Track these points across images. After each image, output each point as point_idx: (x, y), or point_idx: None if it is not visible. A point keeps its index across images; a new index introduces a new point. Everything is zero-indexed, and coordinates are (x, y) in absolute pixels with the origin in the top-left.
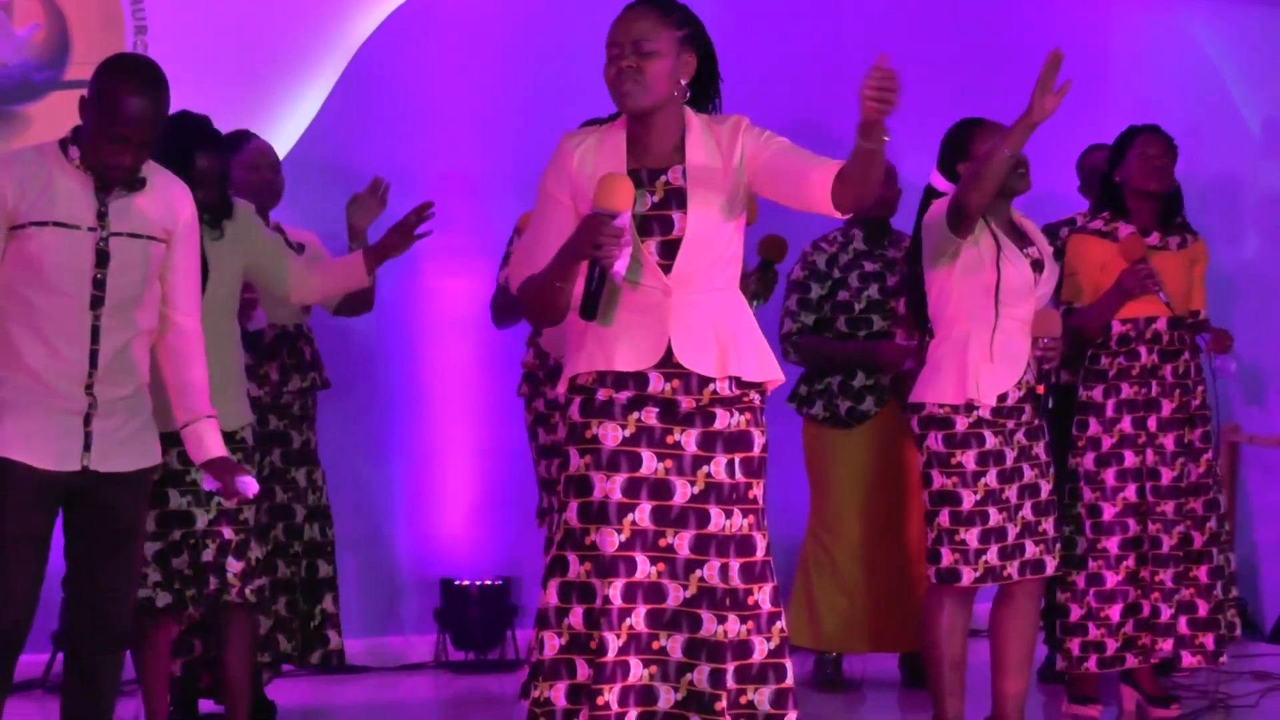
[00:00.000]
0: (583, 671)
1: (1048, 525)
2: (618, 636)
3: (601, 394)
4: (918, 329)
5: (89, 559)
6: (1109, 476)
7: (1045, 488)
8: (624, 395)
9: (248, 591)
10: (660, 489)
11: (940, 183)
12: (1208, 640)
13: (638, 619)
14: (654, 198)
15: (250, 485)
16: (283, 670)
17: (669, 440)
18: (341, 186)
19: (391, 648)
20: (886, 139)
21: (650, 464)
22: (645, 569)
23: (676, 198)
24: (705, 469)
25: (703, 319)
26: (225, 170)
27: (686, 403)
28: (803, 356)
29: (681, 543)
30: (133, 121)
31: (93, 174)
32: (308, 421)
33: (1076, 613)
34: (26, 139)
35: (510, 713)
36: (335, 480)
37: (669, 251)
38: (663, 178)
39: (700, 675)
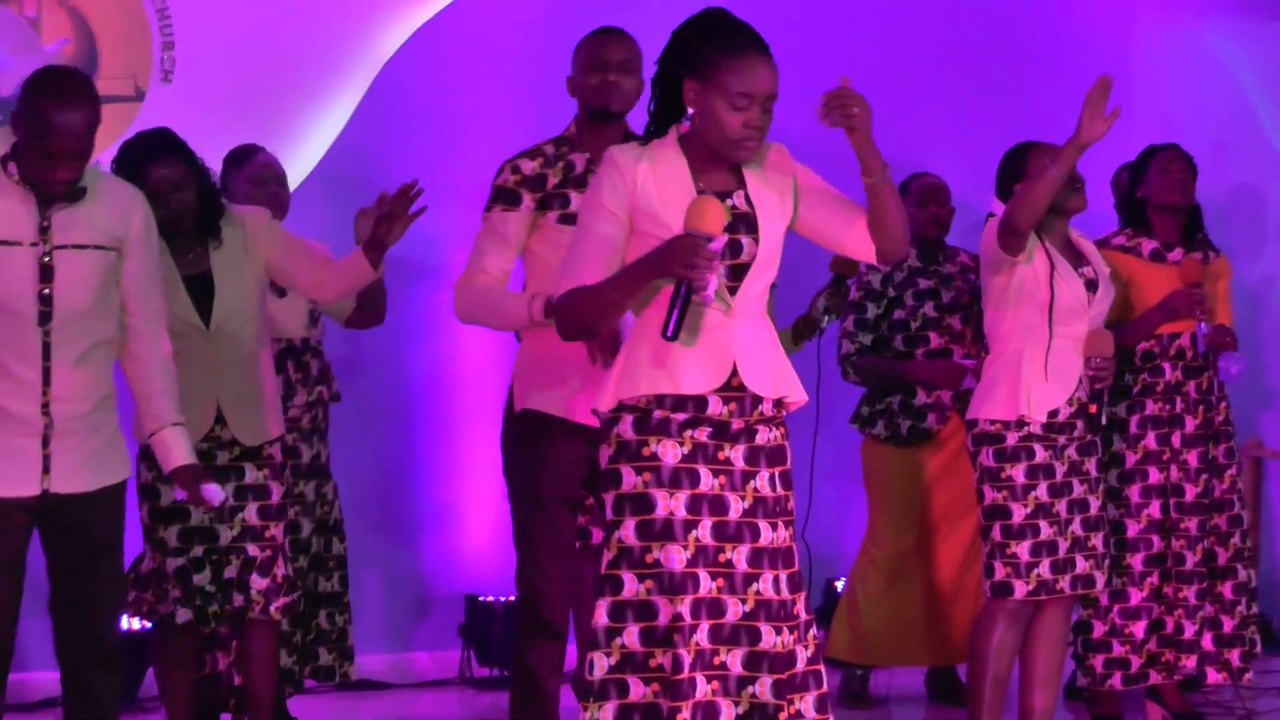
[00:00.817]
0: (635, 690)
1: (1097, 541)
2: (689, 653)
3: (658, 413)
4: (980, 346)
5: (67, 577)
6: (1133, 493)
7: (1094, 503)
8: (681, 416)
9: (272, 609)
10: (718, 505)
11: (998, 207)
12: (1233, 656)
13: (701, 635)
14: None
15: (216, 494)
16: (305, 687)
17: (720, 456)
18: (369, 198)
19: (416, 664)
20: (882, 173)
21: (708, 480)
22: (707, 585)
23: (744, 222)
24: (753, 484)
25: (758, 341)
26: (200, 178)
27: (737, 422)
28: (862, 377)
29: (739, 557)
30: (61, 135)
31: (32, 189)
32: (318, 435)
33: (1100, 629)
34: None
35: None
36: (359, 495)
37: (736, 274)
38: (729, 200)
39: (763, 687)
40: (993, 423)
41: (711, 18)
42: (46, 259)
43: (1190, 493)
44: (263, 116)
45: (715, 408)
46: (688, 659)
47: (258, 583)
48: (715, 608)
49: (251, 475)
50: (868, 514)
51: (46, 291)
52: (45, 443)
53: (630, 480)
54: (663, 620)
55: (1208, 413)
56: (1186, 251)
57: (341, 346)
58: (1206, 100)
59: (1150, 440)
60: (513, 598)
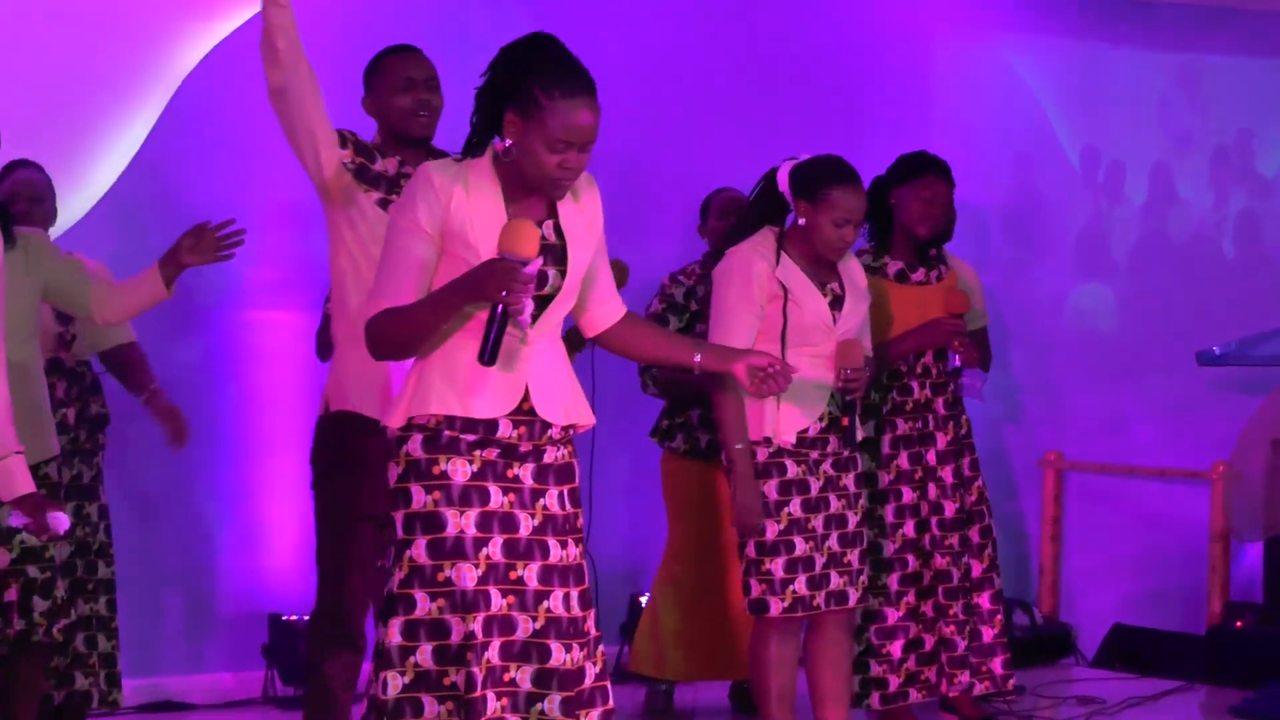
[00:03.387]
0: (430, 709)
1: (853, 557)
2: (481, 670)
3: (447, 433)
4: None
5: None
6: (888, 513)
7: (853, 519)
8: (471, 436)
9: (55, 630)
10: (508, 522)
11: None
12: (995, 665)
13: (492, 652)
14: None
15: (62, 521)
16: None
17: (509, 474)
18: (166, 218)
19: (219, 684)
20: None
21: (497, 498)
22: (498, 602)
23: (552, 253)
24: (542, 501)
25: (551, 367)
26: None
27: (525, 445)
28: (661, 389)
29: (530, 575)
30: None
31: None
32: (79, 456)
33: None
34: None
35: None
36: (158, 515)
37: (539, 304)
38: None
39: (552, 704)
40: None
41: (543, 50)
42: None
43: (949, 509)
44: (61, 134)
45: (505, 430)
46: (480, 676)
47: (39, 605)
48: (506, 625)
49: None
50: (667, 528)
51: None
52: None
53: (420, 499)
54: (455, 638)
55: (955, 428)
56: (927, 272)
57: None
58: (1004, 113)
59: (903, 460)
60: None
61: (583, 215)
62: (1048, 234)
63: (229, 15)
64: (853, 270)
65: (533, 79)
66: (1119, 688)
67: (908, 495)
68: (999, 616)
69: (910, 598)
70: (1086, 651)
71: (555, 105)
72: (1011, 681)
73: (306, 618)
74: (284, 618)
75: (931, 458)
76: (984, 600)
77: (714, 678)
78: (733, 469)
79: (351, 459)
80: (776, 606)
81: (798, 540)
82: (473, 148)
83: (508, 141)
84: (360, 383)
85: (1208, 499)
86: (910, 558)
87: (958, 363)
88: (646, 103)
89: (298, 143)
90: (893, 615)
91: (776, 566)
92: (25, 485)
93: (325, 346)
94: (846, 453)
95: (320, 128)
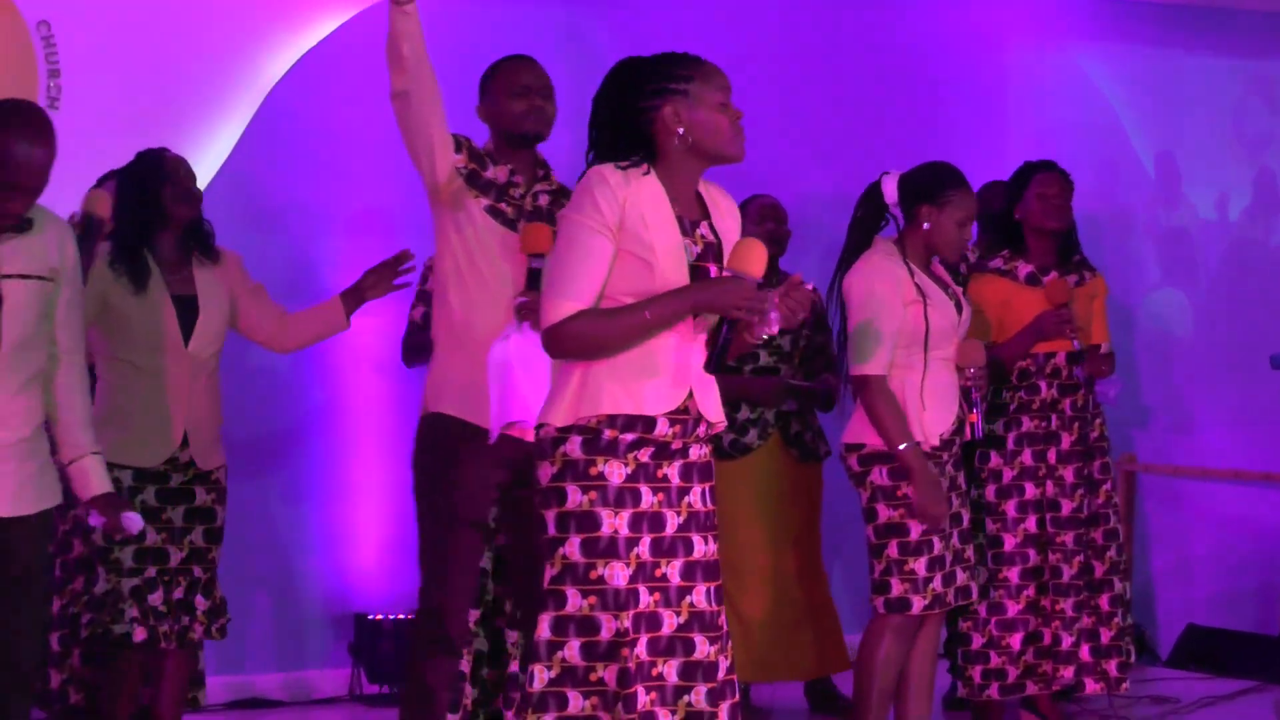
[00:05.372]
0: (574, 703)
1: (970, 552)
2: (632, 666)
3: (607, 434)
4: (828, 370)
5: None
6: (1010, 508)
7: (966, 516)
8: (629, 436)
9: (214, 629)
10: (656, 521)
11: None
12: (1110, 667)
13: (640, 647)
14: (697, 248)
15: (135, 522)
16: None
17: (659, 474)
18: (253, 225)
19: (307, 682)
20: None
21: (648, 498)
22: (646, 599)
23: (712, 251)
24: (687, 499)
25: (700, 366)
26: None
27: (676, 443)
28: None
29: (674, 571)
30: (22, 169)
31: None
32: None
33: (978, 641)
34: None
35: None
36: (250, 517)
37: None
38: (699, 230)
39: (698, 696)
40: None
41: (651, 57)
42: None
43: (1066, 508)
44: (148, 142)
45: (662, 428)
46: (632, 671)
47: (201, 604)
48: (653, 621)
49: (201, 498)
50: None
51: None
52: None
53: (576, 498)
54: (605, 635)
55: (1083, 429)
56: (1062, 274)
57: (229, 371)
58: (1077, 119)
59: (1027, 456)
60: (401, 616)
61: (730, 218)
62: (1122, 240)
63: (313, 28)
64: (947, 276)
65: (666, 73)
66: (1193, 688)
67: (1030, 491)
68: (1117, 619)
69: (1030, 592)
70: (1161, 652)
71: (699, 75)
72: (1125, 685)
73: (392, 617)
74: (370, 617)
75: (1053, 456)
76: (1103, 602)
77: (765, 679)
78: (908, 468)
79: (451, 462)
80: (919, 604)
81: (935, 539)
82: (628, 160)
83: (679, 131)
84: (460, 387)
85: None
86: (1031, 552)
87: (1082, 375)
88: None
89: (415, 145)
90: (1013, 608)
91: (920, 566)
92: (101, 485)
93: (410, 352)
94: (956, 450)
95: (438, 132)
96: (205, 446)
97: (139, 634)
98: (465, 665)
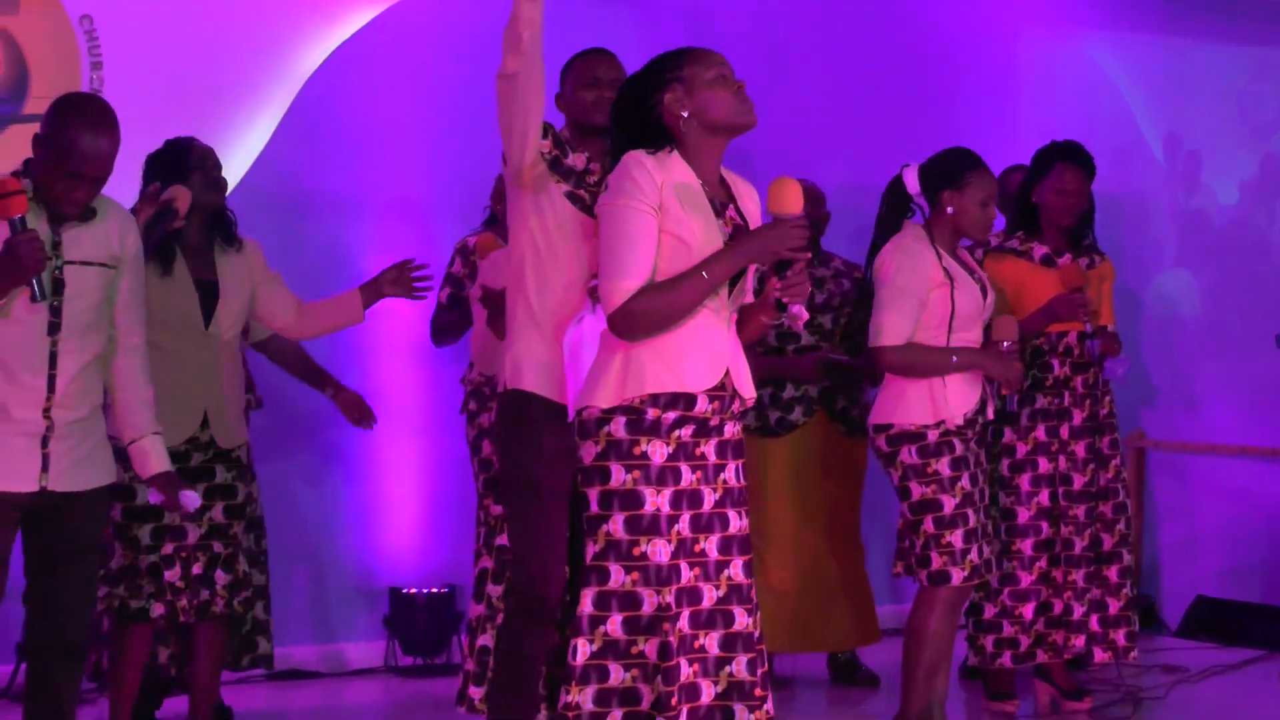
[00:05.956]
0: (615, 675)
1: (991, 527)
2: (674, 639)
3: (650, 413)
4: (856, 349)
5: (49, 575)
6: (1024, 481)
7: (987, 493)
8: (671, 415)
9: (235, 602)
10: (694, 498)
11: (917, 190)
12: (1119, 636)
13: (683, 622)
14: (727, 228)
15: (192, 499)
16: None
17: (697, 453)
18: (291, 214)
19: (343, 654)
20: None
21: (687, 476)
22: (686, 574)
23: (740, 232)
24: (723, 475)
25: (736, 344)
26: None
27: (715, 419)
28: None
29: (711, 546)
30: (88, 159)
31: (45, 206)
32: None
33: (991, 611)
34: None
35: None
36: (286, 495)
37: (730, 282)
38: (728, 210)
39: (739, 666)
40: (912, 424)
41: (656, 60)
42: (58, 273)
43: (1078, 481)
44: (186, 133)
45: (702, 405)
46: (674, 644)
47: (222, 578)
48: (694, 595)
49: (221, 476)
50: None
51: (56, 304)
52: (44, 443)
53: (620, 477)
54: (647, 610)
55: (1094, 406)
56: (1075, 257)
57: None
58: (1090, 107)
59: (1040, 432)
60: (434, 590)
61: (751, 203)
62: (1132, 223)
63: (347, 21)
64: (973, 262)
65: (659, 69)
66: (1201, 657)
67: (1043, 466)
68: (1125, 590)
69: (1042, 563)
70: (1170, 622)
71: (690, 58)
72: (1134, 654)
73: (426, 591)
74: (404, 591)
75: (1065, 432)
76: (1112, 574)
77: (796, 649)
78: (972, 363)
79: (534, 436)
80: (958, 576)
81: (970, 513)
82: (644, 140)
83: (684, 114)
84: (539, 365)
85: None
86: (1044, 524)
87: (1096, 349)
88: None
89: (511, 127)
90: (1025, 579)
91: (956, 538)
92: (159, 464)
93: (438, 332)
94: (978, 429)
95: (535, 118)
96: (226, 426)
97: (156, 609)
98: None
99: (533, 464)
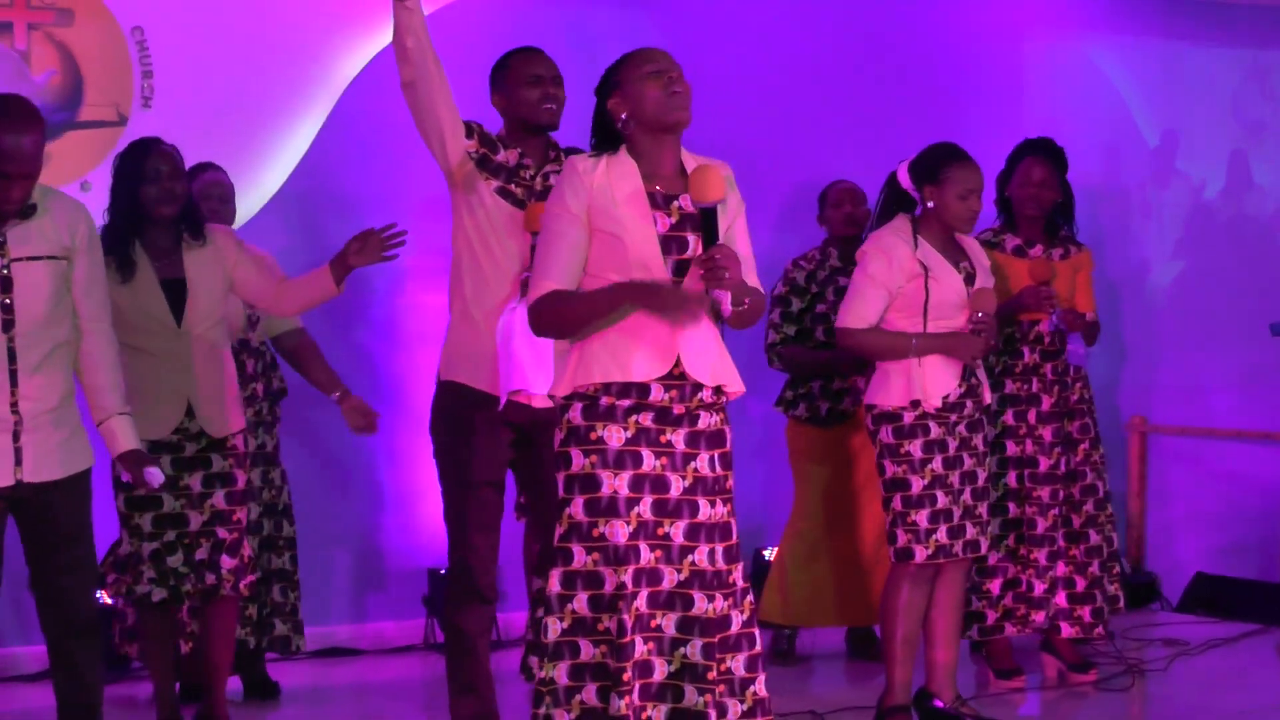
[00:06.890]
0: (586, 651)
1: (983, 509)
2: (630, 617)
3: (604, 400)
4: None
5: (44, 561)
6: (991, 464)
7: (981, 475)
8: (625, 402)
9: (241, 585)
10: (659, 484)
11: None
12: (1084, 613)
13: (640, 601)
14: (671, 220)
15: (156, 476)
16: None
17: (662, 440)
18: (333, 214)
19: (383, 632)
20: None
21: (650, 461)
22: (647, 556)
23: (691, 221)
24: (693, 464)
25: (701, 335)
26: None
27: (678, 408)
28: (785, 364)
29: (676, 531)
30: (12, 158)
31: None
32: (262, 426)
33: None
34: (46, 176)
35: None
36: (326, 480)
37: (680, 270)
38: (675, 202)
39: (693, 649)
40: (891, 405)
41: (620, 60)
42: (5, 271)
43: (1043, 464)
44: (236, 137)
45: (657, 394)
46: (630, 622)
47: (227, 562)
48: (653, 576)
49: (218, 464)
50: (795, 489)
51: (8, 301)
52: (15, 438)
53: (579, 462)
54: (608, 588)
55: (1063, 392)
56: (1047, 248)
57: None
58: (1090, 106)
59: (1008, 416)
60: None
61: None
62: (1130, 217)
63: (386, 29)
64: (976, 251)
65: (610, 73)
66: (1201, 631)
67: (1011, 449)
68: (1091, 569)
69: (1010, 541)
70: (1171, 598)
71: (629, 61)
72: (1099, 630)
73: None
74: (441, 571)
75: (1033, 417)
76: (1078, 552)
77: (832, 624)
78: (931, 347)
79: (464, 427)
80: (921, 554)
81: (939, 494)
82: (605, 144)
83: (623, 116)
84: (470, 357)
85: None
86: (1011, 505)
87: (1048, 324)
88: (758, 104)
89: (426, 131)
90: (993, 556)
91: (921, 518)
92: (127, 443)
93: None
94: (977, 415)
95: (447, 118)
96: (214, 416)
97: (157, 594)
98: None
99: (464, 454)
